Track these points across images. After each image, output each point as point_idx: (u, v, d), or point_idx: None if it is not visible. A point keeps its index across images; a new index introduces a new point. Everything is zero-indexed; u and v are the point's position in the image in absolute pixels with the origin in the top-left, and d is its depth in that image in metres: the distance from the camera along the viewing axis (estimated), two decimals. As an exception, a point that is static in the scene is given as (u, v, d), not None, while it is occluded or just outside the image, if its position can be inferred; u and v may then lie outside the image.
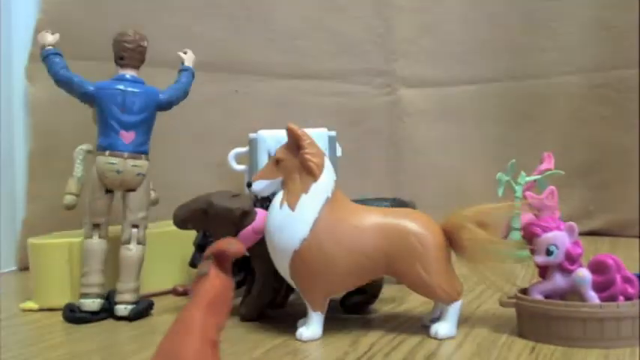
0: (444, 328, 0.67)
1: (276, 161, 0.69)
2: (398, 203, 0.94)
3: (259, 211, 0.78)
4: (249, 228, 0.76)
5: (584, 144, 1.48)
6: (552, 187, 1.21)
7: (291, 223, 0.67)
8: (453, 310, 0.68)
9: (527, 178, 1.21)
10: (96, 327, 0.80)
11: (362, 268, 0.67)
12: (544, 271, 0.66)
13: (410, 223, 0.67)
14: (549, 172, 1.22)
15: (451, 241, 0.68)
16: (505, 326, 0.69)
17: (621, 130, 1.45)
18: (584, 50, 1.49)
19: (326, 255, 0.66)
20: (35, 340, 0.75)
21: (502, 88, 1.54)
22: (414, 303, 0.83)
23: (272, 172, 0.70)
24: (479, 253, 0.67)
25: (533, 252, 0.66)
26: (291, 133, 0.69)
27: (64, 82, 0.85)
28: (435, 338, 0.66)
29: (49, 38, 0.86)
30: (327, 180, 0.68)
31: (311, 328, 0.68)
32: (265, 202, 0.80)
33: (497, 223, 0.68)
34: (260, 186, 0.70)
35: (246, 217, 0.76)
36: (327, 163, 0.69)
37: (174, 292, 0.97)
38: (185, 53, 0.94)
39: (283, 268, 0.69)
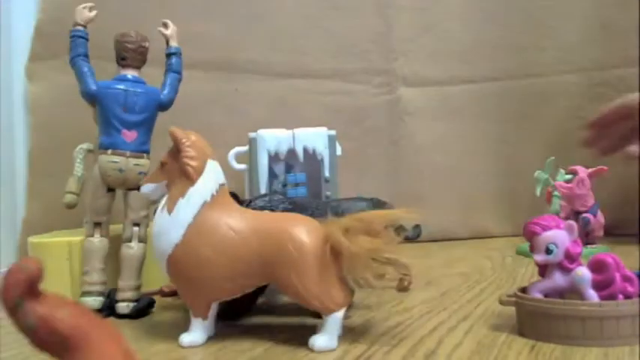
0: (321, 340, 0.64)
1: (161, 164, 0.68)
2: (375, 203, 0.87)
3: None
4: None
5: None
6: (582, 176, 1.20)
7: (167, 228, 0.65)
8: (332, 322, 0.64)
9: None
10: (97, 325, 0.79)
11: (239, 274, 0.65)
12: (543, 270, 0.66)
13: (289, 228, 0.64)
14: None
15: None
16: (505, 325, 0.69)
17: (621, 129, 1.45)
18: (584, 49, 1.50)
19: (200, 260, 0.64)
20: (36, 339, 0.75)
21: (502, 87, 1.55)
22: (413, 302, 0.83)
23: (158, 176, 0.68)
24: (342, 263, 0.63)
25: (532, 250, 0.66)
26: (172, 137, 0.67)
27: (75, 71, 0.85)
28: (312, 350, 0.63)
29: (85, 15, 0.85)
30: (206, 184, 0.66)
31: (192, 334, 0.67)
32: (248, 202, 0.79)
33: (383, 232, 0.62)
34: (147, 189, 0.69)
35: None
36: (211, 166, 0.67)
37: (161, 292, 0.95)
38: (166, 27, 0.91)
39: (163, 273, 0.68)
